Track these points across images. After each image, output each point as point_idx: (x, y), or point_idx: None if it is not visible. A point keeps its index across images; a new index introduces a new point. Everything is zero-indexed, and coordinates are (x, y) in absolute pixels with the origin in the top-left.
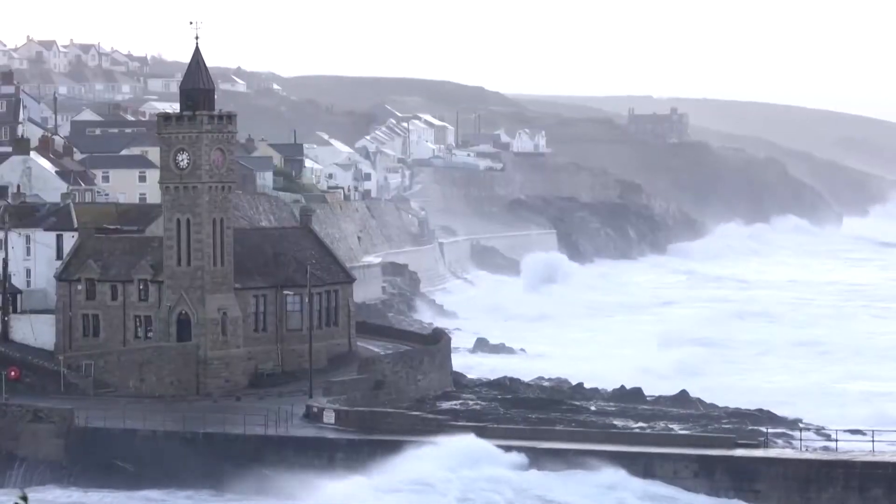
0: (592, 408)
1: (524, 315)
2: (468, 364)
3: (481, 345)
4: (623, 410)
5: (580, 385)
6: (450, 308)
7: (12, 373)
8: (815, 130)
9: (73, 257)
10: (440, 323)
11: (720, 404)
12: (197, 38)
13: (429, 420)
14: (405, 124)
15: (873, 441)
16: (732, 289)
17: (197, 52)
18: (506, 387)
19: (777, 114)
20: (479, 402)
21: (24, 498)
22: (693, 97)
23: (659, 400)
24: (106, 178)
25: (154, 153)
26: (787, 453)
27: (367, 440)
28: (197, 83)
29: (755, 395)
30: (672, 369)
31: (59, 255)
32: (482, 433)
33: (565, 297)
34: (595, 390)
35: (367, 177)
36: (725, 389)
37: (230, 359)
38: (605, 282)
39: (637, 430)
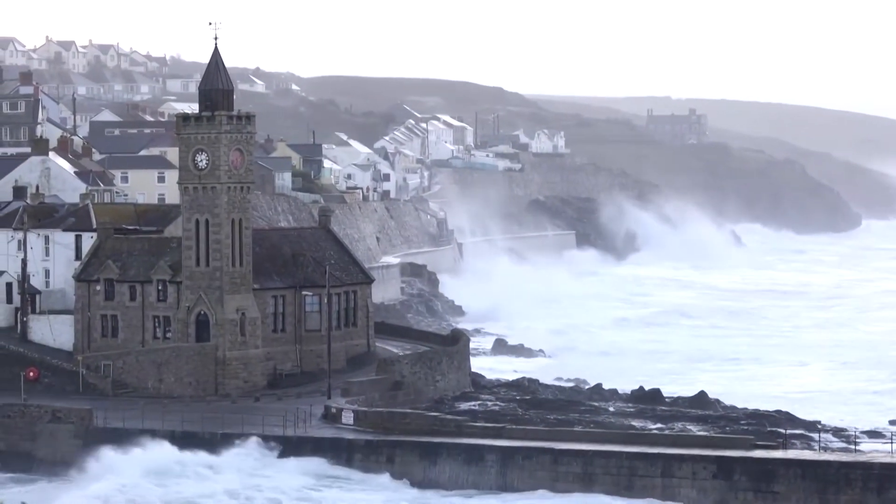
0: (611, 409)
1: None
2: (487, 365)
3: (500, 345)
4: (641, 412)
5: (598, 386)
6: (468, 309)
7: (31, 373)
8: (834, 132)
9: (91, 258)
10: (459, 324)
11: (739, 405)
12: (216, 38)
13: (447, 421)
14: (424, 125)
15: (892, 442)
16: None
17: (216, 52)
18: (524, 388)
19: (796, 115)
20: (497, 402)
21: None
22: (712, 98)
23: (677, 401)
24: (125, 179)
25: (173, 154)
26: (806, 455)
27: (385, 441)
28: (216, 84)
29: (772, 397)
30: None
31: (77, 256)
32: (500, 434)
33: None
34: (614, 391)
35: (386, 177)
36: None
37: (249, 359)
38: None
39: (655, 432)
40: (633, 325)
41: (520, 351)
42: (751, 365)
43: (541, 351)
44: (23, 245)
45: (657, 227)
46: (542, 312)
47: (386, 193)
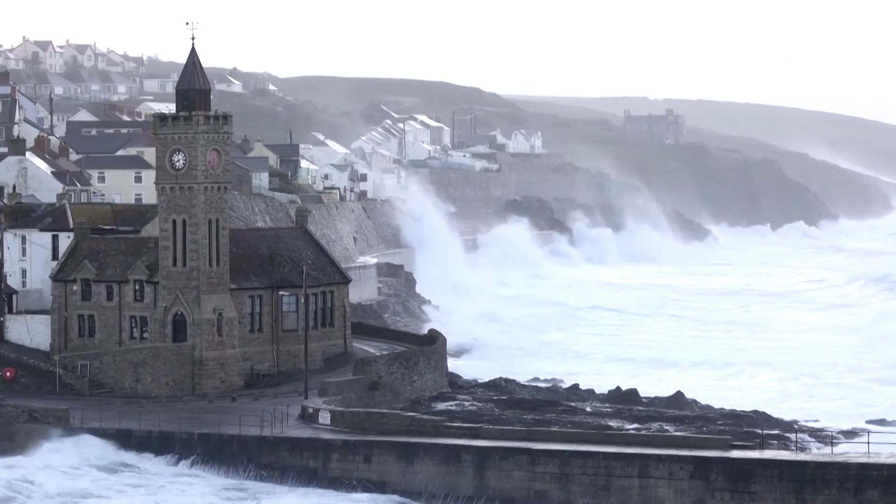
0: (588, 409)
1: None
2: (463, 365)
3: (477, 345)
4: (618, 412)
5: (575, 386)
6: (445, 309)
7: (8, 373)
8: (810, 132)
9: (68, 258)
10: (435, 324)
11: (716, 406)
12: (193, 38)
13: (424, 421)
14: (401, 125)
15: (868, 442)
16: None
17: (193, 52)
18: (501, 388)
19: (773, 115)
20: (474, 402)
21: None
22: (689, 98)
23: (654, 401)
24: (102, 179)
25: (150, 154)
26: (783, 455)
27: (362, 441)
28: (193, 84)
29: (748, 397)
30: None
31: (54, 256)
32: (478, 434)
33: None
34: (591, 391)
35: (363, 177)
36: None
37: (226, 359)
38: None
39: (632, 432)
40: (598, 327)
41: (496, 350)
42: (724, 366)
43: (518, 350)
44: None
45: (634, 228)
46: (502, 313)
47: (363, 193)
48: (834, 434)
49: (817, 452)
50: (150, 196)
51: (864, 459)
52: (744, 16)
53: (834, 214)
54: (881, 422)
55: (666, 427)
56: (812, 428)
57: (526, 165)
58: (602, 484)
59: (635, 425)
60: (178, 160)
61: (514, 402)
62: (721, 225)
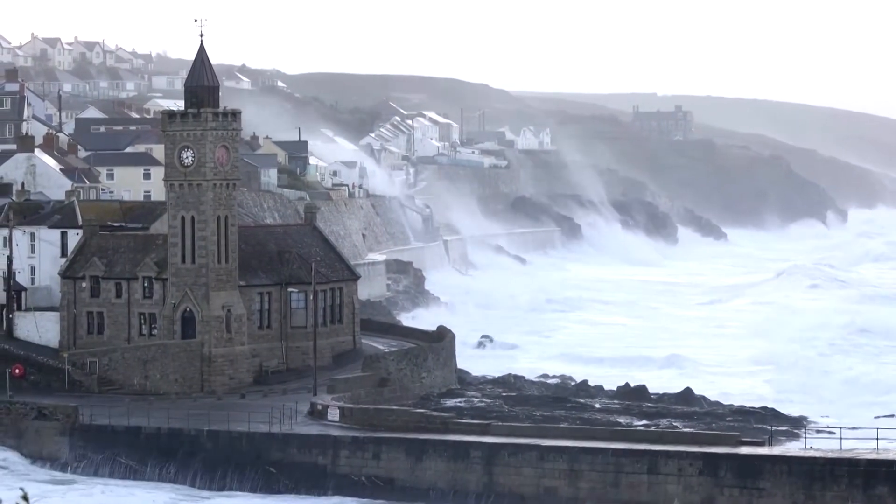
0: (597, 405)
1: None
2: (473, 361)
3: (486, 342)
4: (627, 408)
5: (584, 383)
6: (454, 306)
7: (17, 370)
8: (819, 128)
9: (77, 255)
10: (444, 320)
11: (724, 402)
12: (202, 35)
13: (433, 417)
14: (410, 122)
15: (878, 439)
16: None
17: (201, 49)
18: (510, 384)
19: (782, 112)
20: (483, 399)
21: (26, 497)
22: (698, 95)
23: (663, 398)
24: (110, 176)
25: (158, 150)
26: (792, 451)
27: (371, 437)
28: (201, 80)
29: (761, 393)
30: None
31: (63, 253)
32: (487, 431)
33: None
34: (599, 388)
35: (372, 174)
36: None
37: (234, 356)
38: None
39: (641, 428)
40: (606, 324)
41: (505, 347)
42: (732, 363)
43: (527, 347)
44: (8, 242)
45: (643, 224)
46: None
47: (371, 190)
48: (843, 430)
49: (826, 448)
50: (158, 193)
51: (873, 455)
52: (752, 12)
53: (843, 211)
54: (890, 417)
55: (675, 423)
56: (821, 424)
57: (535, 162)
58: (611, 480)
59: (644, 422)
60: (187, 157)
61: (523, 398)
62: (730, 221)
